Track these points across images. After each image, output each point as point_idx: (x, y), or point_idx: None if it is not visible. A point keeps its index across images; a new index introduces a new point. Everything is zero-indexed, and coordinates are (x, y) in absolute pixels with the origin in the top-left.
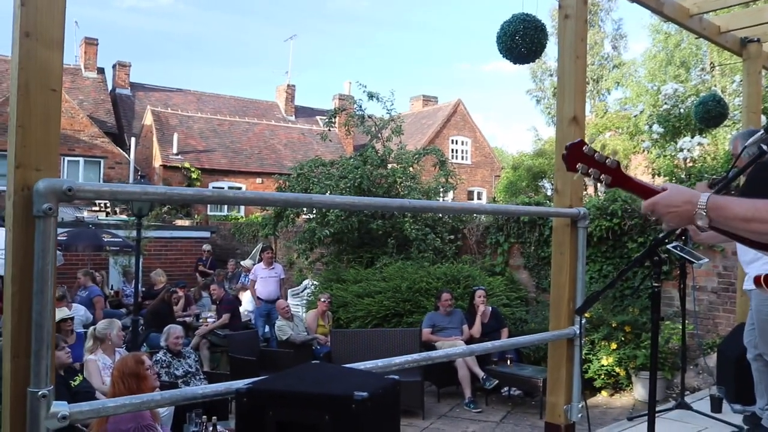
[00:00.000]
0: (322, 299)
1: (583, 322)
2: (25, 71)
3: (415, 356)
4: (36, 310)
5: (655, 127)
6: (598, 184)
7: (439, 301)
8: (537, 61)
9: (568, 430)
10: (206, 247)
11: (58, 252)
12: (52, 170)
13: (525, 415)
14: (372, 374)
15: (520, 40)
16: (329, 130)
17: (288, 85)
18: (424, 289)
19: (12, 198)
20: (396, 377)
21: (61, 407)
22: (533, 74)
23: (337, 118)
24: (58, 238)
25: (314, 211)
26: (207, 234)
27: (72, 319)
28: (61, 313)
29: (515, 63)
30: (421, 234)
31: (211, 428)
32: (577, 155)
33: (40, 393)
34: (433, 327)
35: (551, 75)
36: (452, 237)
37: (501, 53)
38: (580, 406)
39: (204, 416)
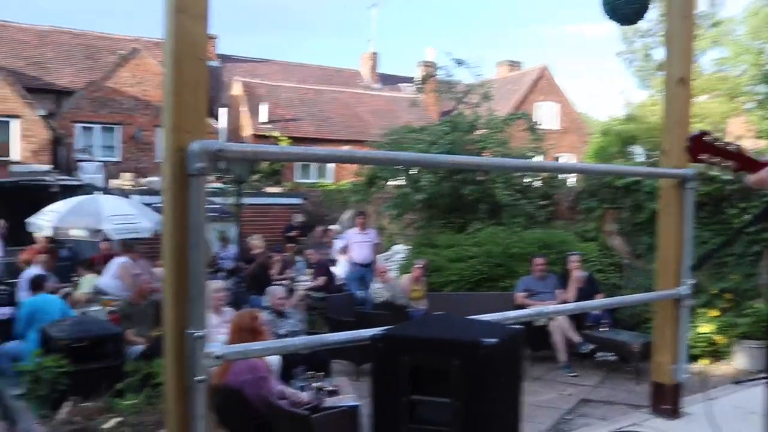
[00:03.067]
0: (417, 265)
1: (692, 282)
2: (177, 43)
3: (529, 311)
4: (192, 260)
5: (760, 87)
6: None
7: (532, 265)
8: None
9: (675, 389)
10: (298, 218)
11: (160, 218)
12: (201, 133)
13: (621, 380)
14: (496, 324)
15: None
16: (420, 96)
17: (372, 53)
18: (517, 254)
19: (169, 159)
20: (521, 327)
21: (215, 347)
22: (624, 35)
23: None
24: (160, 204)
25: (406, 177)
26: (298, 200)
27: None
28: None
29: (621, 24)
30: (512, 199)
31: (316, 384)
32: (699, 146)
33: (197, 335)
34: (526, 291)
35: (642, 36)
36: (544, 203)
37: (606, 14)
38: (685, 366)
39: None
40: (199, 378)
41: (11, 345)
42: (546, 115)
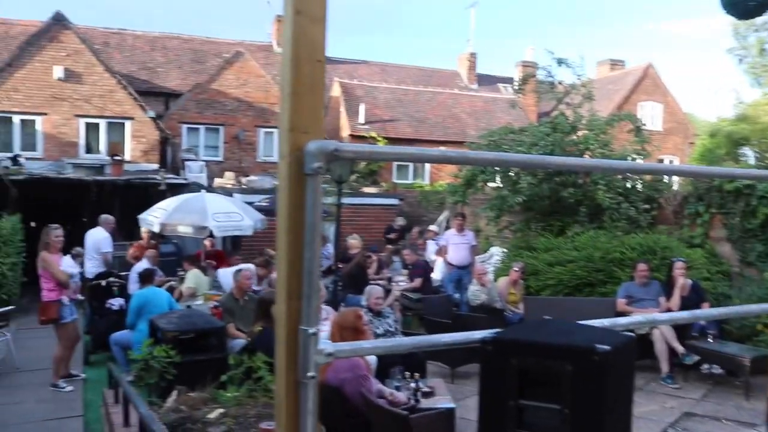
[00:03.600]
0: (516, 268)
1: None
2: (296, 44)
3: (640, 318)
4: (307, 258)
5: None
6: None
7: (634, 271)
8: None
9: None
10: (399, 220)
11: (261, 217)
12: (318, 133)
13: (728, 394)
14: (608, 330)
15: None
16: (519, 97)
17: (470, 54)
18: (618, 259)
19: (286, 158)
20: (632, 334)
21: (326, 344)
22: (735, 31)
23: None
24: (261, 204)
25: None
26: (395, 201)
27: None
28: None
29: (740, 19)
30: (614, 203)
31: (413, 384)
32: None
33: (310, 331)
34: (628, 297)
35: (756, 30)
36: (647, 206)
37: (724, 8)
38: None
39: (405, 373)
40: (310, 374)
41: (123, 334)
42: (648, 115)
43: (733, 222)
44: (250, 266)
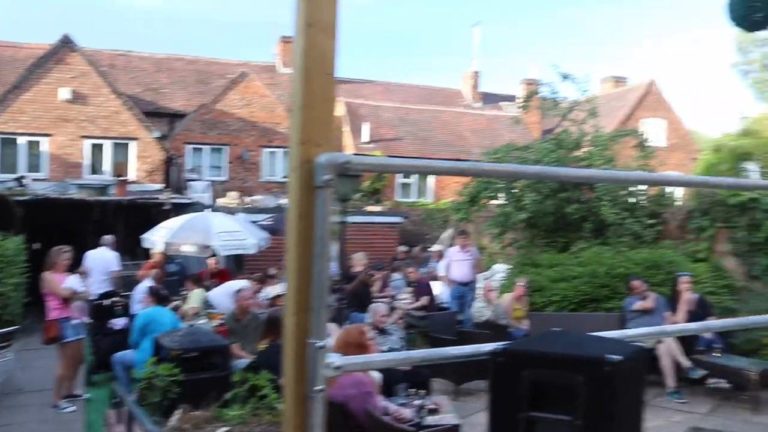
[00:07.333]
0: (520, 284)
1: None
2: (307, 57)
3: (649, 330)
4: (316, 270)
5: None
6: None
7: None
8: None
9: None
10: (401, 248)
11: (265, 235)
12: (329, 146)
13: (735, 409)
14: (618, 341)
15: (757, 5)
16: (524, 113)
17: (474, 72)
18: (623, 275)
19: (297, 170)
20: (643, 344)
21: (335, 358)
22: (739, 46)
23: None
24: (264, 222)
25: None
26: (399, 219)
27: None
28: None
29: (748, 31)
30: (618, 218)
31: (418, 401)
32: None
33: (318, 344)
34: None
35: (760, 45)
36: (652, 221)
37: (732, 21)
38: None
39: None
40: (318, 387)
41: (126, 354)
42: (652, 131)
43: (737, 236)
44: (244, 283)
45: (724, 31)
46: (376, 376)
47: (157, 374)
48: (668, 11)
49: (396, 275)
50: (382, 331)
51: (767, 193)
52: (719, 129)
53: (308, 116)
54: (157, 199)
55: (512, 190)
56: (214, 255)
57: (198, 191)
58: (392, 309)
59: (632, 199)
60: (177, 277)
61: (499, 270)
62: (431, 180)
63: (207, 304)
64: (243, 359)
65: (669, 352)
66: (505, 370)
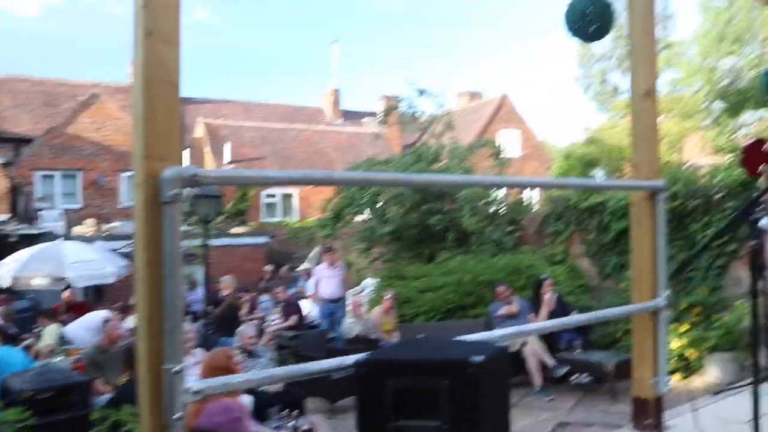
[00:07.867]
0: (387, 297)
1: (668, 294)
2: (148, 67)
3: (512, 329)
4: (167, 292)
5: (716, 104)
6: None
7: (495, 294)
8: (581, 47)
9: (657, 403)
10: (268, 267)
11: (125, 263)
12: (175, 159)
13: (596, 401)
14: (481, 342)
15: (591, 18)
16: (385, 127)
17: (334, 90)
18: (487, 282)
19: (141, 187)
20: (505, 344)
21: (193, 382)
22: (580, 60)
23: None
24: (124, 250)
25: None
26: (264, 239)
27: None
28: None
29: (585, 41)
30: (479, 227)
31: (291, 423)
32: (756, 156)
33: (174, 369)
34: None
35: (598, 61)
36: (510, 229)
37: (570, 32)
38: (667, 379)
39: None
40: (177, 416)
41: None
42: (507, 142)
43: (589, 238)
44: (104, 314)
45: (565, 45)
46: (247, 400)
47: (4, 420)
48: (515, 26)
49: (264, 297)
50: (251, 354)
51: (613, 196)
52: (567, 139)
53: (151, 129)
54: (2, 230)
55: (376, 204)
56: (69, 287)
57: (50, 221)
58: (261, 331)
59: (492, 208)
60: (29, 314)
61: (369, 285)
62: (296, 199)
63: (63, 340)
64: (107, 395)
65: (534, 353)
66: (370, 380)
